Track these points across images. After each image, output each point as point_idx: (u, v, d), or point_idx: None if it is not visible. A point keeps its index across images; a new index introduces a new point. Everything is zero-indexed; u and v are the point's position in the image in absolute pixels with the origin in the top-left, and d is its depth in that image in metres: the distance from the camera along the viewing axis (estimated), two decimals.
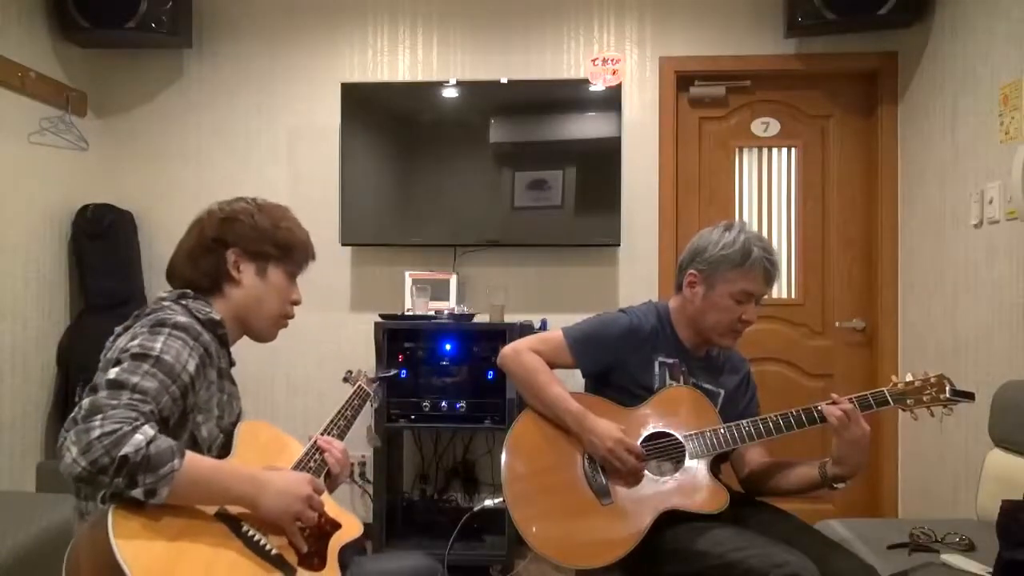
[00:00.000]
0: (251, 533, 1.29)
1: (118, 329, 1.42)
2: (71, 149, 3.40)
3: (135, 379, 1.22)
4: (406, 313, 3.29)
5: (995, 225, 2.67)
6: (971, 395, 1.71)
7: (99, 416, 1.15)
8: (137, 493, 1.15)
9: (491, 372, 3.09)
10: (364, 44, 3.60)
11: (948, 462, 2.94)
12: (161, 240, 3.56)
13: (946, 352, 2.97)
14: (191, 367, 1.33)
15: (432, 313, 3.26)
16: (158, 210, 3.58)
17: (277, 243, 1.56)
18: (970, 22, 2.87)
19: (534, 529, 1.78)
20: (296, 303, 1.61)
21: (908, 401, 1.71)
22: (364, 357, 3.25)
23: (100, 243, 3.36)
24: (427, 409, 3.07)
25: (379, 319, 3.15)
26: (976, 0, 2.84)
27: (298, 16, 3.61)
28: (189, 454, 1.21)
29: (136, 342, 1.29)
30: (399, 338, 3.15)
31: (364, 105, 3.49)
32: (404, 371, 3.12)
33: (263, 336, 1.59)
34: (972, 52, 2.85)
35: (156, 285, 3.55)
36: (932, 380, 1.71)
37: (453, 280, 3.41)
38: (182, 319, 1.37)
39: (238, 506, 1.30)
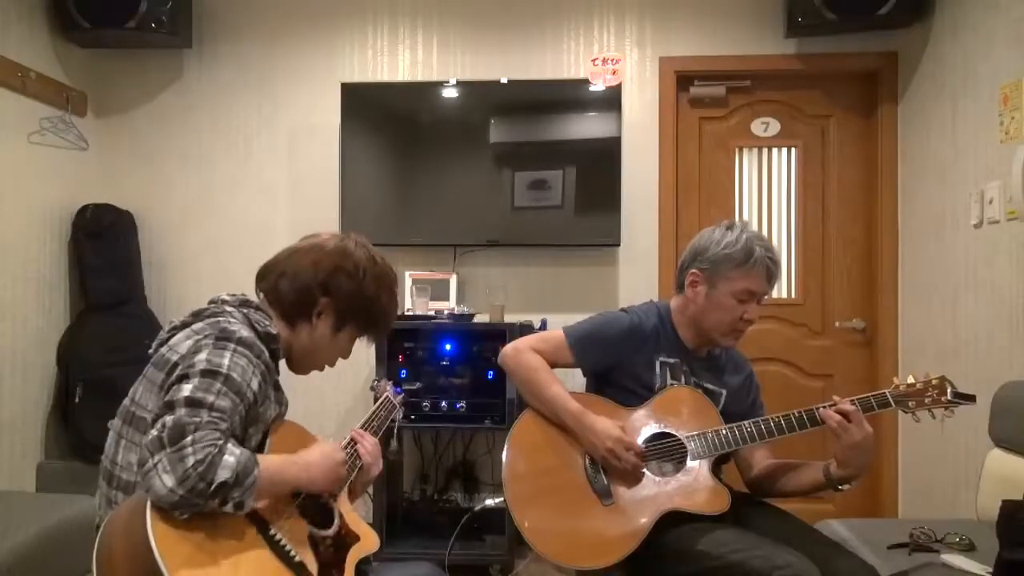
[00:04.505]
0: (278, 537, 1.30)
1: (175, 322, 1.42)
2: (71, 149, 3.40)
3: (211, 398, 1.24)
4: (406, 313, 3.29)
5: (995, 225, 2.67)
6: (972, 398, 1.70)
7: (188, 440, 1.16)
8: (228, 508, 1.18)
9: (491, 372, 3.09)
10: (364, 44, 3.60)
11: (948, 462, 2.94)
12: (161, 240, 3.54)
13: (946, 352, 2.97)
14: (255, 385, 1.34)
15: (432, 313, 3.26)
16: (158, 210, 3.57)
17: (369, 315, 1.55)
18: (970, 22, 2.88)
19: (535, 529, 1.78)
20: (343, 358, 1.61)
21: (910, 403, 1.71)
22: (364, 357, 3.25)
23: (100, 243, 3.35)
24: (427, 409, 3.07)
25: None
26: (976, 0, 2.84)
27: (298, 16, 3.61)
28: (258, 457, 1.24)
29: (202, 356, 1.29)
30: (399, 338, 3.15)
31: (364, 105, 3.48)
32: (404, 371, 3.12)
33: (298, 372, 1.59)
34: (972, 52, 2.85)
35: (156, 285, 3.55)
36: (934, 382, 1.71)
37: (453, 280, 3.41)
38: (246, 334, 1.37)
39: (300, 489, 1.36)
